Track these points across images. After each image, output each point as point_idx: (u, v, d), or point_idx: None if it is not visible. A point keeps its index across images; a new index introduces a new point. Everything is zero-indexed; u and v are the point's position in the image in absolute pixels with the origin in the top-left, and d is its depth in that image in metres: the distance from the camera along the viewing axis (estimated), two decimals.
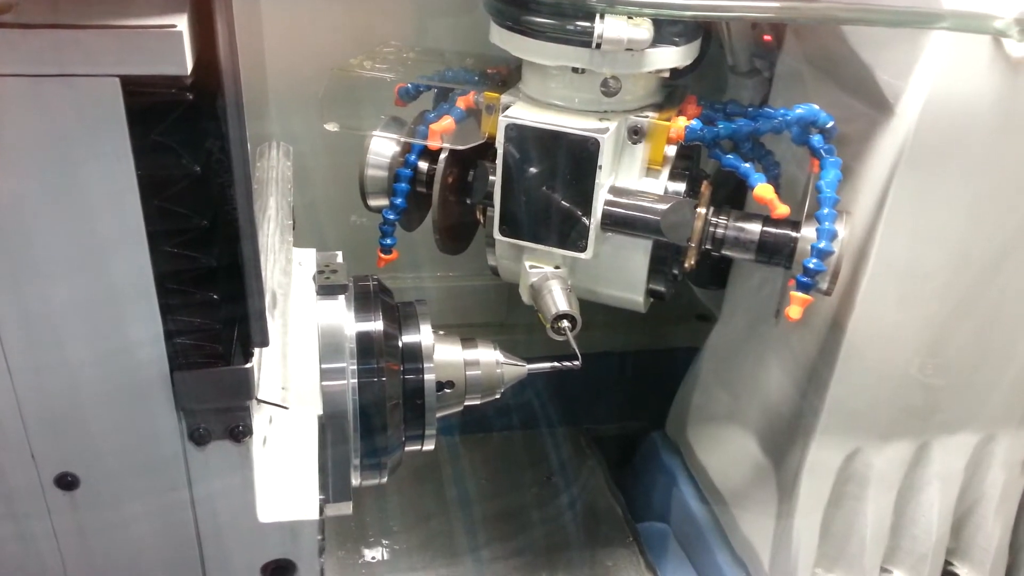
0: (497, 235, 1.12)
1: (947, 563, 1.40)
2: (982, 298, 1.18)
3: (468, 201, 1.18)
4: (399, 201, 1.18)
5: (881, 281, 1.14)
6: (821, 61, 1.18)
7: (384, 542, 1.57)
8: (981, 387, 1.27)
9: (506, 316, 1.73)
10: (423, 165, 1.18)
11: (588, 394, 1.69)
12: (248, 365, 0.69)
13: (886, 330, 1.18)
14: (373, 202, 1.21)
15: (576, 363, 1.06)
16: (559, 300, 1.09)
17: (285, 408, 0.77)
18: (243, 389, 0.69)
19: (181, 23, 0.57)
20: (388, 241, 1.22)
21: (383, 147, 1.19)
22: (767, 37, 1.25)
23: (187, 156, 0.62)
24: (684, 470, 1.59)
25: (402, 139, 1.17)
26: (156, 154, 0.60)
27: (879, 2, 1.00)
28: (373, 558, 1.54)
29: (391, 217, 1.20)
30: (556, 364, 1.08)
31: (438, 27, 1.44)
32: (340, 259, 1.01)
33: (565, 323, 1.08)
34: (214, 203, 0.64)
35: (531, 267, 1.14)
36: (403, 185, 1.18)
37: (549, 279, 1.12)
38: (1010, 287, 1.18)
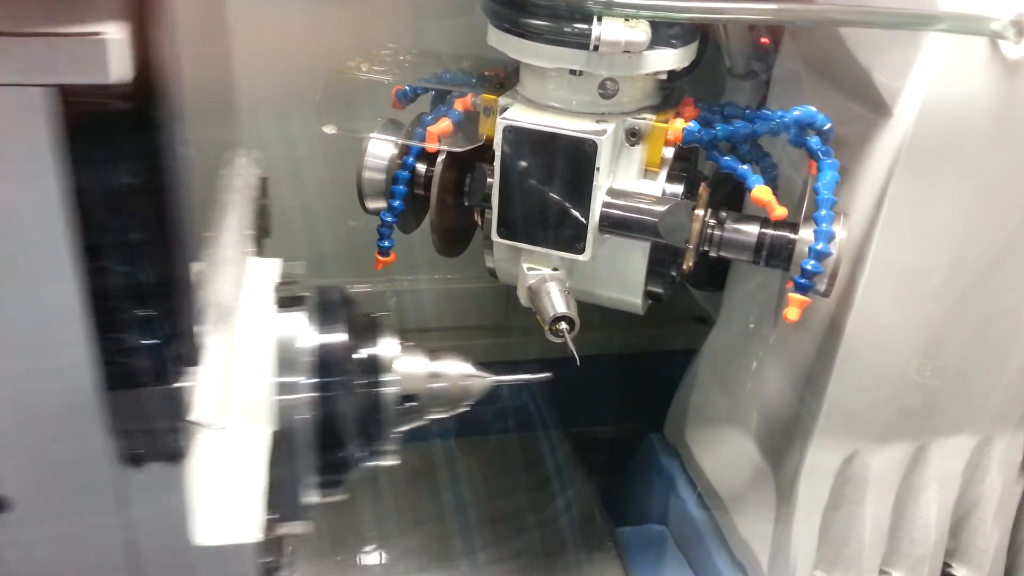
0: (495, 237, 1.11)
1: (946, 565, 1.39)
2: (980, 299, 1.16)
3: (466, 203, 1.17)
4: (397, 203, 1.18)
5: (879, 283, 1.12)
6: (818, 63, 1.17)
7: (366, 549, 1.56)
8: (979, 389, 1.26)
9: (504, 318, 1.72)
10: (421, 168, 1.17)
11: (585, 397, 1.68)
12: (180, 385, 0.67)
13: (884, 332, 1.17)
14: (371, 204, 1.21)
15: (546, 375, 1.03)
16: (557, 302, 1.09)
17: (222, 429, 0.73)
18: (176, 409, 0.67)
19: (116, 31, 0.55)
20: (386, 244, 1.22)
21: (380, 149, 1.18)
22: (764, 40, 1.24)
23: (120, 167, 0.60)
24: (682, 473, 1.58)
25: (399, 141, 1.16)
26: (87, 165, 0.59)
27: (876, 4, 1.00)
28: (362, 562, 1.54)
29: (389, 219, 1.20)
30: (525, 377, 1.04)
31: (433, 29, 1.43)
32: (302, 269, 0.98)
33: (563, 325, 1.07)
34: (148, 216, 0.62)
35: (529, 269, 1.13)
36: (401, 187, 1.17)
37: (547, 281, 1.11)
38: (1008, 288, 1.16)
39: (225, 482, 0.74)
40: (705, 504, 1.51)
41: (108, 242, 0.62)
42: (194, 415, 0.69)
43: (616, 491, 1.72)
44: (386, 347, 0.95)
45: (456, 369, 1.00)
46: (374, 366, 0.94)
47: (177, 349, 0.67)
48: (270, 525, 0.76)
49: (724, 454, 1.47)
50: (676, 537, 1.59)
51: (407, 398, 0.96)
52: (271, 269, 0.96)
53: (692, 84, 1.20)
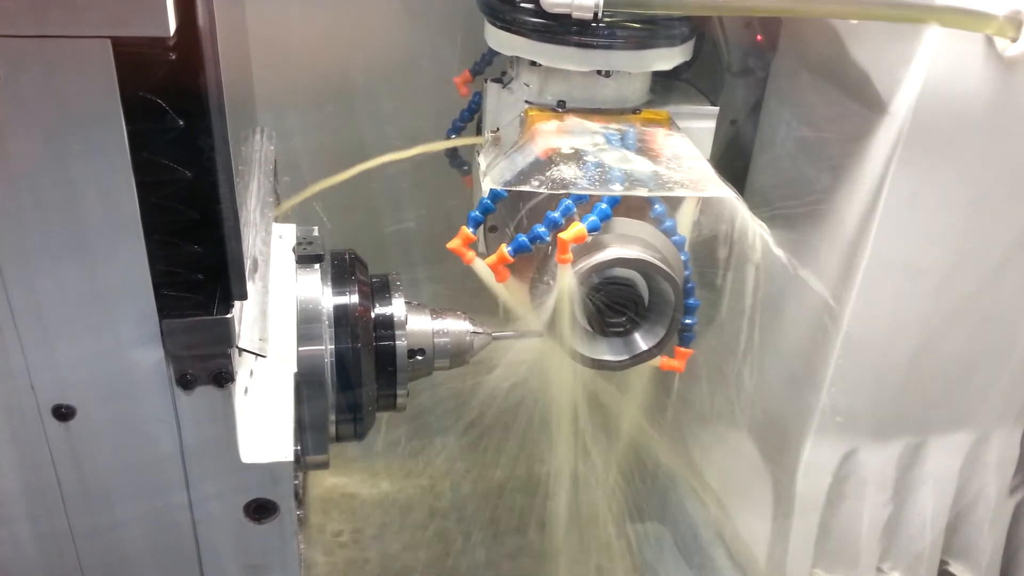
0: None
1: (942, 562, 1.42)
2: (977, 296, 1.20)
3: None
4: None
5: (876, 280, 1.16)
6: (815, 61, 1.22)
7: (375, 541, 1.58)
8: (977, 386, 1.30)
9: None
10: None
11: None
12: (229, 315, 0.75)
13: (882, 329, 1.21)
14: None
15: (539, 331, 1.07)
16: None
17: (264, 356, 0.82)
18: (225, 337, 0.76)
19: None
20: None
21: None
22: (760, 37, 1.25)
23: (171, 115, 0.66)
24: (681, 471, 1.57)
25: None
26: (144, 110, 0.65)
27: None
28: (366, 560, 1.54)
29: None
30: (521, 333, 1.10)
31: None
32: (316, 233, 1.08)
33: None
34: (196, 157, 0.69)
35: None
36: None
37: None
38: (1005, 284, 1.20)
39: (264, 412, 0.85)
40: (704, 502, 1.51)
41: (167, 178, 0.69)
42: (242, 343, 0.78)
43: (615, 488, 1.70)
44: (396, 306, 1.05)
45: (459, 327, 1.08)
46: (387, 323, 1.03)
47: (228, 285, 0.75)
48: (297, 455, 0.86)
49: (722, 452, 1.50)
50: (675, 535, 1.58)
51: (416, 352, 1.05)
52: (289, 232, 1.08)
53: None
